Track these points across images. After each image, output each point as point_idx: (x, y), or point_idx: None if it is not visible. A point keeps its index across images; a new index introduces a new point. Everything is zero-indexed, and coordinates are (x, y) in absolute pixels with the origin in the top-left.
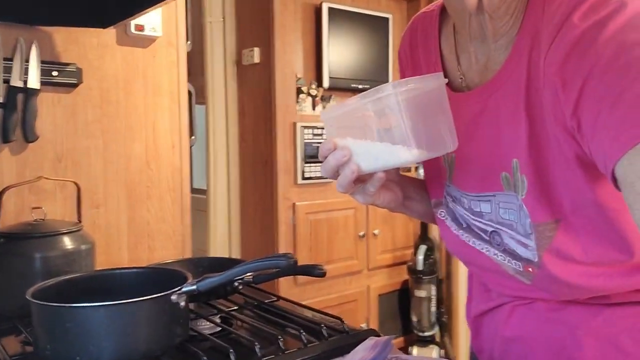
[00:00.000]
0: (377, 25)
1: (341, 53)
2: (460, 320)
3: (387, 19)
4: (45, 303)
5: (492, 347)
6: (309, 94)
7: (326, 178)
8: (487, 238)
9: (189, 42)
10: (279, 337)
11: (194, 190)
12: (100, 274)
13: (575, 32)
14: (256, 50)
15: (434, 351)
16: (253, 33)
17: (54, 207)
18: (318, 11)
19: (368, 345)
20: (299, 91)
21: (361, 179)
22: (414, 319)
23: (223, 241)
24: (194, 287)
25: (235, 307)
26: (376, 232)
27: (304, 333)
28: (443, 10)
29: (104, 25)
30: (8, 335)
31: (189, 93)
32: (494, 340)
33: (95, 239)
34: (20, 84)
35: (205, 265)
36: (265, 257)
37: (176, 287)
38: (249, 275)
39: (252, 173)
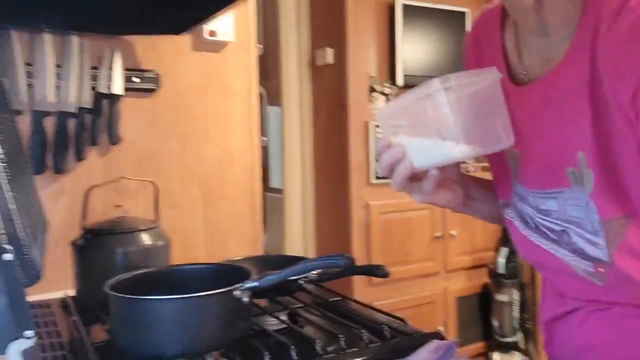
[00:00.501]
0: (453, 21)
1: (416, 50)
2: None
3: (463, 14)
4: (119, 295)
5: (566, 356)
6: (382, 93)
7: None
8: (556, 238)
9: (260, 46)
10: (340, 335)
11: (271, 190)
12: (171, 269)
13: (632, 16)
14: (329, 50)
15: (516, 358)
16: (326, 33)
17: (136, 206)
18: (391, 9)
19: (430, 348)
20: (372, 90)
21: (418, 177)
22: (495, 323)
23: (298, 240)
24: (256, 283)
25: (301, 305)
26: (454, 233)
27: (365, 333)
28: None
29: (178, 32)
30: (92, 324)
31: (260, 95)
32: (567, 348)
33: (173, 237)
34: (105, 91)
35: (272, 263)
36: (323, 256)
37: (240, 283)
38: (314, 274)
39: (326, 173)
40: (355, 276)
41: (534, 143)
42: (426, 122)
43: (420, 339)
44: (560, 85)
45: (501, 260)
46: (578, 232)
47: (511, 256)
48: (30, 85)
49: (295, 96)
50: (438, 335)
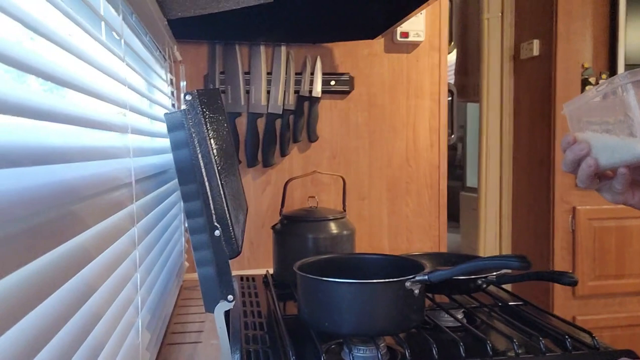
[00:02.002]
0: None
1: None
2: None
3: None
4: (305, 274)
5: None
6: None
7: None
8: None
9: (452, 44)
10: (514, 339)
11: (467, 189)
12: (353, 256)
13: None
14: (535, 42)
15: None
16: (533, 25)
17: (328, 197)
18: None
19: None
20: (585, 83)
21: (608, 175)
22: None
23: (493, 242)
24: (426, 277)
25: (478, 305)
26: None
27: (543, 340)
28: None
29: (373, 36)
30: (286, 300)
31: (450, 92)
32: None
33: (359, 227)
34: (306, 94)
35: (452, 260)
36: (498, 255)
37: (411, 275)
38: (493, 275)
39: (526, 173)
40: (558, 286)
41: None
42: (614, 117)
43: (608, 355)
44: None
45: None
46: None
47: None
48: (247, 91)
49: (496, 92)
50: (631, 354)
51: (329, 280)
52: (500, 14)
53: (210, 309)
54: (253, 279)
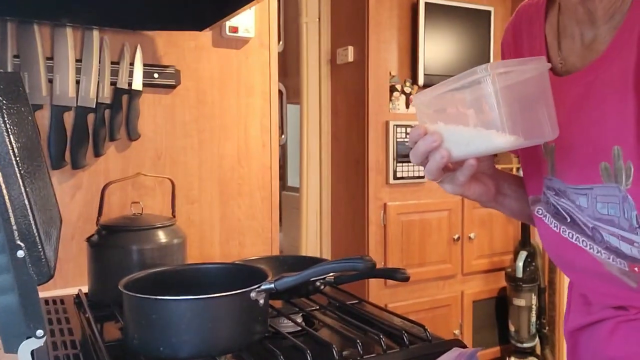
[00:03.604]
0: (478, 19)
1: (438, 49)
2: (563, 333)
3: (488, 12)
4: (133, 294)
5: None
6: (402, 92)
7: (422, 178)
8: (590, 234)
9: (280, 43)
10: (358, 341)
11: (288, 189)
12: (187, 268)
13: None
14: (350, 48)
15: None
16: (348, 32)
17: (154, 202)
18: (415, 7)
19: (452, 356)
20: (392, 89)
21: (451, 168)
22: (512, 328)
23: (314, 240)
24: (272, 285)
25: (317, 307)
26: (472, 235)
27: (383, 338)
28: None
29: (200, 28)
30: (107, 322)
31: (280, 92)
32: (590, 357)
33: (189, 233)
34: (125, 86)
35: (289, 263)
36: (344, 258)
37: (256, 285)
38: (331, 276)
39: (344, 172)
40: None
41: (570, 135)
42: (468, 110)
43: (440, 346)
44: (605, 74)
45: (519, 264)
46: (611, 230)
47: (529, 260)
48: (50, 80)
49: (315, 94)
50: (459, 343)
51: (163, 299)
52: (317, 19)
53: (11, 348)
54: (62, 301)
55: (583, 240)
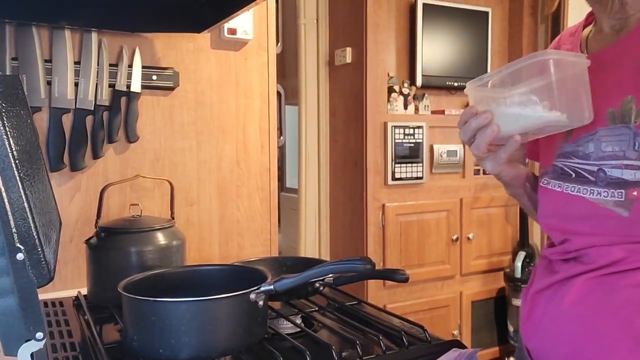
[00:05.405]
0: (476, 20)
1: (436, 50)
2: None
3: (486, 13)
4: (132, 296)
5: (546, 324)
6: (400, 93)
7: (416, 178)
8: (593, 179)
9: (279, 44)
10: (357, 342)
11: (287, 190)
12: (186, 269)
13: None
14: (348, 50)
15: None
16: (346, 33)
17: (153, 204)
18: (412, 8)
19: (451, 357)
20: (390, 90)
21: (492, 150)
22: (511, 329)
23: (313, 240)
24: (271, 287)
25: (316, 309)
26: (470, 236)
27: (383, 339)
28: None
29: (198, 30)
30: (106, 324)
31: (278, 94)
32: (547, 318)
33: (188, 235)
34: (123, 88)
35: (288, 264)
36: (343, 260)
37: (255, 286)
38: (330, 277)
39: (342, 173)
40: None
41: None
42: (519, 91)
43: (439, 347)
44: (633, 49)
45: (518, 264)
46: (613, 164)
47: (528, 260)
48: (49, 82)
49: (313, 96)
50: (458, 343)
51: (162, 301)
52: (315, 21)
53: (10, 351)
54: (61, 304)
55: (584, 189)
